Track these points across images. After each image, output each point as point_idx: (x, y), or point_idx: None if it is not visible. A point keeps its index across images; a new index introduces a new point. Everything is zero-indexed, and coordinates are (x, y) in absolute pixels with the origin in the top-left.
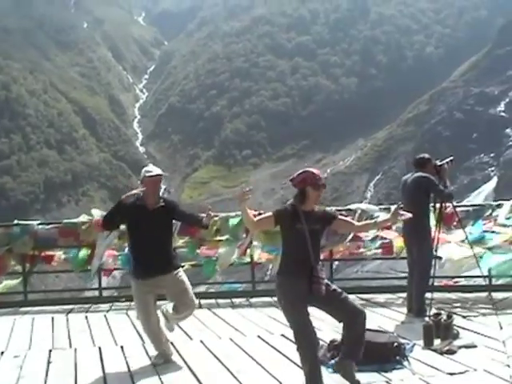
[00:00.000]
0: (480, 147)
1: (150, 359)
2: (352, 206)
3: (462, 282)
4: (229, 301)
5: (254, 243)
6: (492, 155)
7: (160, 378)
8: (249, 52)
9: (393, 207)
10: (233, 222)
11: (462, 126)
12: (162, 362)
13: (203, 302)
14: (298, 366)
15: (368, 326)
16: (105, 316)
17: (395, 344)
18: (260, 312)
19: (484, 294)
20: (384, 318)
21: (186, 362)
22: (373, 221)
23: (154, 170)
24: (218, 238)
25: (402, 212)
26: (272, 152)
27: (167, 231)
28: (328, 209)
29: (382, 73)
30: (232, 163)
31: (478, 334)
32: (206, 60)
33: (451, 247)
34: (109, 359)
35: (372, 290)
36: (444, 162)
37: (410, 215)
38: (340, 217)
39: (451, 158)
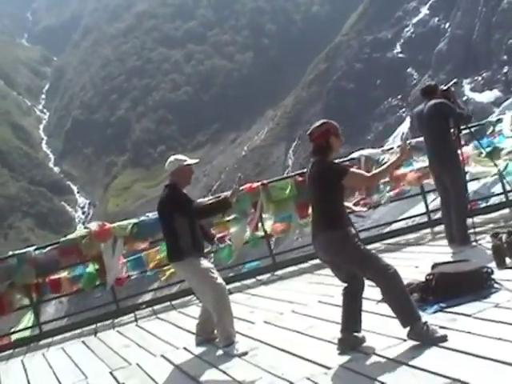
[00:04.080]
0: (386, 92)
1: (228, 352)
2: (354, 155)
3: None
4: (254, 280)
5: (264, 215)
6: (399, 97)
7: (257, 366)
8: (139, 49)
9: (395, 145)
10: (238, 198)
11: (364, 76)
12: (244, 352)
13: (230, 286)
14: (383, 314)
15: (423, 264)
16: (137, 326)
17: (484, 269)
18: (296, 281)
19: (507, 210)
20: (434, 255)
21: (269, 344)
22: (385, 166)
23: (186, 158)
24: (226, 218)
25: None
26: (186, 142)
27: None
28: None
29: (275, 41)
30: (149, 162)
31: None
32: (98, 67)
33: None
34: (182, 363)
35: (390, 235)
36: (449, 85)
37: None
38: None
39: (455, 80)
